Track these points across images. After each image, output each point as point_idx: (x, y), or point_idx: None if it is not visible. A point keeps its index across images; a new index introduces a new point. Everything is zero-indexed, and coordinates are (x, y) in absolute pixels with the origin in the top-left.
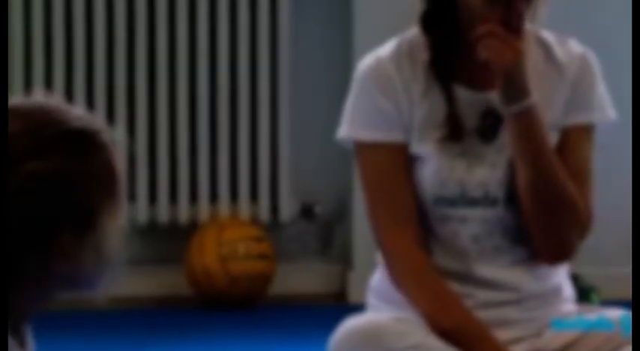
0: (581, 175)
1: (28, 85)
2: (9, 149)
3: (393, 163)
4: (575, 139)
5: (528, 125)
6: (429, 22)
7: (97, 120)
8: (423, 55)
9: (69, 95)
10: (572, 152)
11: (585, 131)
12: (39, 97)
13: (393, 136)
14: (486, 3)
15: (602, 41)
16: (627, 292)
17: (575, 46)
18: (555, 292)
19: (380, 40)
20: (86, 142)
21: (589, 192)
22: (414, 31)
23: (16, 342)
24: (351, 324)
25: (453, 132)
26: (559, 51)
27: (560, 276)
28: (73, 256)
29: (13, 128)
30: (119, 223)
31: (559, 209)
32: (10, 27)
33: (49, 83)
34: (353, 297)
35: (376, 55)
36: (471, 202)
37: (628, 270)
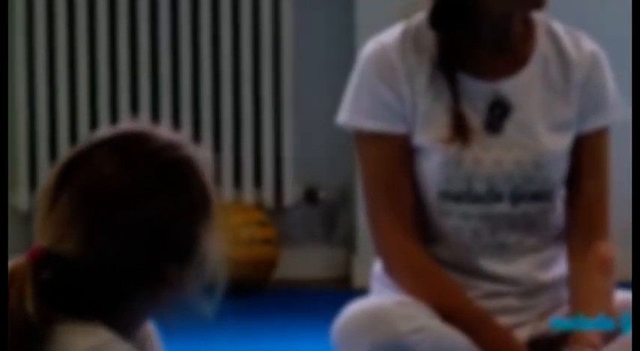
0: (602, 186)
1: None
2: (107, 191)
3: (392, 155)
4: (594, 146)
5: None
6: (439, 18)
7: (183, 139)
8: (429, 43)
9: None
10: (593, 162)
11: (601, 135)
12: (125, 124)
13: (394, 127)
14: None
15: (602, 39)
16: (629, 275)
17: (587, 43)
18: (560, 280)
19: (383, 25)
20: (182, 172)
21: (608, 204)
22: (420, 17)
23: (134, 346)
24: (355, 308)
25: (458, 133)
26: (569, 44)
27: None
28: (179, 284)
29: (108, 170)
30: (216, 236)
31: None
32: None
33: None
34: (357, 281)
35: (380, 42)
36: (475, 198)
37: (630, 253)
